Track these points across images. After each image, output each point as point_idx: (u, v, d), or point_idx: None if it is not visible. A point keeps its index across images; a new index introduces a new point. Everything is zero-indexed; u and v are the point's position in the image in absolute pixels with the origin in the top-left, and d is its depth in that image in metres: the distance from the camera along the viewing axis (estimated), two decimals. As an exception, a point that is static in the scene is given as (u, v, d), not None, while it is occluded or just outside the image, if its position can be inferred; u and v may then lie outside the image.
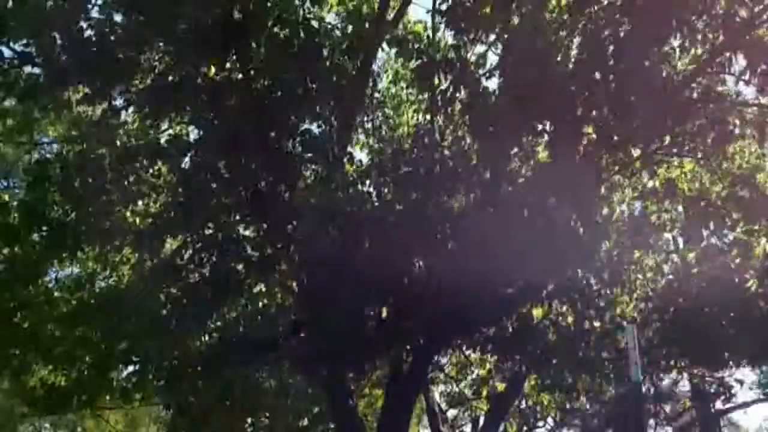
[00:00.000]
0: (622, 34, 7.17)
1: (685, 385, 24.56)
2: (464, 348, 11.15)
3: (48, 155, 11.84)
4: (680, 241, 14.06)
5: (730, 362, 12.00)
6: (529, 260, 7.90)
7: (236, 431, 11.14)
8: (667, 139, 7.69)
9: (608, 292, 10.43)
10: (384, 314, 8.89)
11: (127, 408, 18.96)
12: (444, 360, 13.81)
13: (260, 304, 10.24)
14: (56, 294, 10.97)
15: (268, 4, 9.09)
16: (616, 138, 7.55)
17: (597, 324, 10.44)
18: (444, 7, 7.74)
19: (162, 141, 9.90)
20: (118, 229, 9.64)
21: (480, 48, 8.22)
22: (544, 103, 7.41)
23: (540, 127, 7.87)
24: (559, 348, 10.30)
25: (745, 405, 25.54)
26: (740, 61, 7.11)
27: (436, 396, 14.46)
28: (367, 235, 8.32)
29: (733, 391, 22.75)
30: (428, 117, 9.46)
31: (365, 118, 10.87)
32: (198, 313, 9.29)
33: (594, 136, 7.55)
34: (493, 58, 7.95)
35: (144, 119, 9.80)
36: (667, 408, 25.87)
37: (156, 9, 8.67)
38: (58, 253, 9.70)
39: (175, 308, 9.33)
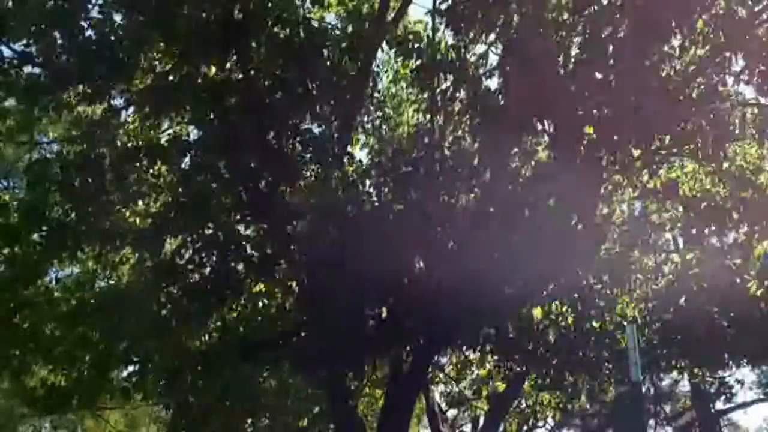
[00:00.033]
0: (622, 34, 7.17)
1: (685, 385, 24.63)
2: (464, 348, 11.15)
3: (48, 155, 11.83)
4: (680, 241, 14.06)
5: (730, 362, 12.01)
6: (529, 260, 7.90)
7: (236, 431, 11.12)
8: (667, 139, 7.68)
9: (608, 292, 10.44)
10: (384, 314, 8.89)
11: (127, 408, 19.00)
12: (444, 360, 13.82)
13: (260, 304, 10.24)
14: (56, 294, 10.94)
15: (269, 4, 9.10)
16: (616, 138, 7.54)
17: (597, 324, 10.46)
18: (444, 7, 7.74)
19: (162, 141, 9.90)
20: (118, 229, 9.63)
21: (480, 48, 8.23)
22: (544, 103, 7.41)
23: (540, 127, 7.87)
24: (559, 348, 10.31)
25: (745, 405, 25.60)
26: (740, 61, 7.11)
27: (436, 396, 14.47)
28: (367, 235, 8.32)
29: (733, 391, 22.84)
30: (428, 117, 9.47)
31: (365, 118, 10.88)
32: (198, 313, 9.29)
33: (594, 136, 7.54)
34: (493, 58, 7.96)
35: (144, 119, 9.80)
36: (667, 408, 25.90)
37: (156, 9, 8.69)
38: (58, 253, 9.68)
39: (175, 308, 9.33)
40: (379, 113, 11.32)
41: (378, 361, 10.18)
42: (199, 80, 9.14)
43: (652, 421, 23.71)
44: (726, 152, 8.02)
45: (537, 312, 9.81)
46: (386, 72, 11.81)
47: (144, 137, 10.14)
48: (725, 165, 8.57)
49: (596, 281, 10.34)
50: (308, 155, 9.19)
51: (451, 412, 19.93)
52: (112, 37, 8.88)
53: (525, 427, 17.86)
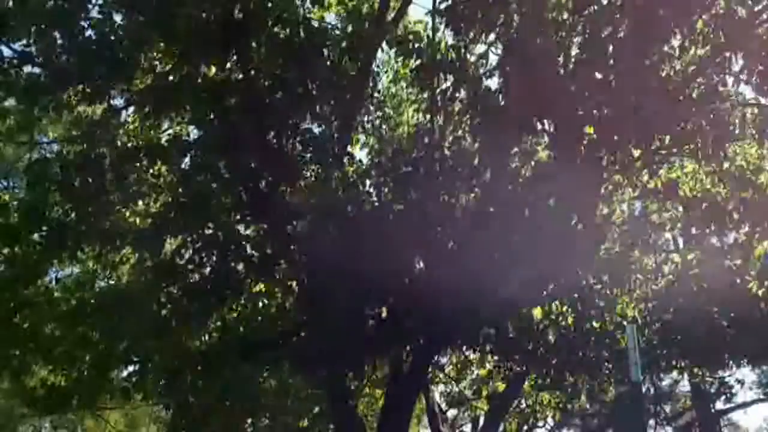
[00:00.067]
0: (622, 34, 7.17)
1: (685, 385, 24.64)
2: (464, 348, 11.16)
3: (48, 155, 11.82)
4: (680, 241, 14.06)
5: (730, 362, 12.02)
6: (529, 260, 7.91)
7: (236, 431, 11.12)
8: (667, 139, 7.68)
9: (608, 292, 10.44)
10: (384, 314, 8.89)
11: (127, 408, 19.00)
12: (444, 360, 13.82)
13: (260, 304, 10.24)
14: (56, 294, 10.94)
15: (269, 4, 9.10)
16: (616, 138, 7.55)
17: (597, 324, 10.46)
18: (444, 7, 7.74)
19: (162, 141, 9.91)
20: (118, 229, 9.63)
21: (480, 48, 8.23)
22: (544, 103, 7.41)
23: (540, 127, 7.87)
24: (559, 348, 10.31)
25: (745, 405, 25.62)
26: (740, 61, 7.11)
27: (436, 396, 14.46)
28: (367, 235, 8.32)
29: (733, 391, 22.86)
30: (428, 117, 9.47)
31: (365, 118, 10.86)
32: (198, 313, 9.29)
33: (594, 136, 7.54)
34: (493, 58, 7.96)
35: (144, 119, 9.79)
36: (667, 408, 25.91)
37: (156, 9, 8.69)
38: (58, 253, 9.68)
39: (175, 308, 9.33)
40: (379, 113, 11.31)
41: (378, 361, 10.19)
42: (199, 80, 9.14)
43: (652, 421, 23.71)
44: (726, 152, 8.02)
45: (537, 312, 9.81)
46: (386, 72, 11.82)
47: (144, 137, 10.14)
48: (725, 165, 8.58)
49: (596, 281, 10.33)
50: (308, 155, 9.19)
51: (451, 412, 19.93)
52: (112, 37, 8.87)
53: (525, 427, 17.87)
